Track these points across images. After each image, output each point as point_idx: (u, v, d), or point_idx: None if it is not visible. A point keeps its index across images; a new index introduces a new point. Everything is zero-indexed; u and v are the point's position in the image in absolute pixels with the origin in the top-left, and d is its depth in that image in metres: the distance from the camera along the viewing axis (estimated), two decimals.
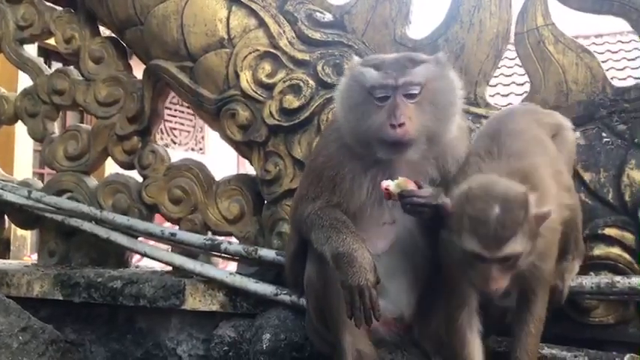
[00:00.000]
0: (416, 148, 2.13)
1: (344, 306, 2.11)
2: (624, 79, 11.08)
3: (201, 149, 12.71)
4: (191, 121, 12.63)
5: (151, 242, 3.58)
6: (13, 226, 4.84)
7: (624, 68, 11.82)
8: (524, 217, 1.86)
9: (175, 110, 12.17)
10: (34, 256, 5.65)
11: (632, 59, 12.10)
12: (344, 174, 2.21)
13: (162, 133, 11.83)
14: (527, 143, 2.18)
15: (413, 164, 2.20)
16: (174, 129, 12.33)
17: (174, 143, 12.16)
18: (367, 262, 2.02)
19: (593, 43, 12.41)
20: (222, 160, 10.52)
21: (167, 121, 12.01)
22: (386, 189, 2.07)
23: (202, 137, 12.92)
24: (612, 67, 11.68)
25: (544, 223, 1.91)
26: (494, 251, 1.85)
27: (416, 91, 2.09)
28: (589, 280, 2.44)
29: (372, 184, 2.21)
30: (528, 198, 1.89)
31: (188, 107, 11.92)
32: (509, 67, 12.49)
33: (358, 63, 2.25)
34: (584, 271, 2.50)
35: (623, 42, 12.72)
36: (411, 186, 2.08)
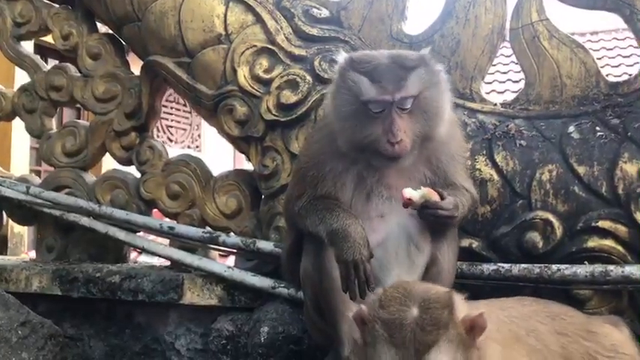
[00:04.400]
0: (409, 156, 2.17)
1: (340, 296, 2.16)
2: (619, 76, 11.12)
3: (197, 147, 12.70)
4: (187, 118, 12.64)
5: (151, 237, 3.60)
6: (10, 223, 4.86)
7: (619, 65, 11.87)
8: (448, 318, 1.55)
9: (172, 108, 12.17)
10: (32, 254, 5.66)
11: (627, 56, 12.18)
12: (325, 173, 2.25)
13: (158, 130, 11.82)
14: None
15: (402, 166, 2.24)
16: (171, 127, 12.33)
17: (171, 141, 12.16)
18: (361, 236, 2.07)
19: (589, 40, 12.46)
20: (218, 157, 10.53)
21: (163, 118, 12.00)
22: (408, 199, 2.08)
23: (199, 135, 12.92)
24: (607, 64, 11.73)
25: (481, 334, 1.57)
26: None
27: (409, 104, 2.11)
28: (583, 269, 2.47)
29: (357, 180, 2.26)
30: (453, 297, 1.61)
31: (185, 105, 12.06)
32: (505, 65, 12.54)
33: (348, 66, 2.20)
34: (578, 262, 2.54)
35: (618, 39, 12.77)
36: (435, 197, 2.12)
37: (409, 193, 2.09)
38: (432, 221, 2.15)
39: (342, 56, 2.28)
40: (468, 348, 1.57)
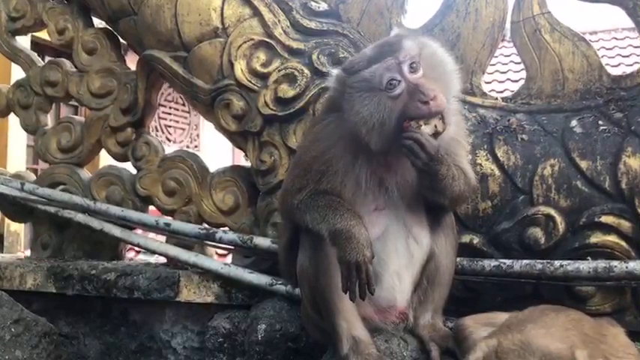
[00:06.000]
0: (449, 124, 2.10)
1: (337, 293, 2.12)
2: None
3: (196, 146, 12.69)
4: (186, 118, 12.63)
5: (150, 235, 3.56)
6: (6, 221, 4.82)
7: (619, 65, 11.83)
8: None
9: (170, 107, 12.15)
10: (28, 252, 5.63)
11: (627, 56, 12.16)
12: (337, 169, 2.20)
13: (157, 130, 11.81)
14: None
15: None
16: (169, 126, 12.32)
17: (169, 140, 12.14)
18: (364, 238, 2.03)
19: (588, 40, 12.41)
20: (217, 157, 10.49)
21: (162, 118, 11.99)
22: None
23: (197, 135, 12.90)
24: (607, 64, 11.65)
25: None
26: None
27: (417, 62, 2.07)
28: (586, 265, 2.43)
29: (368, 176, 2.21)
30: (576, 353, 1.59)
31: (183, 104, 12.03)
32: (504, 64, 12.51)
33: (347, 73, 2.16)
34: (580, 258, 2.49)
35: (617, 39, 12.77)
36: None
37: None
38: (405, 145, 2.05)
39: (333, 73, 2.25)
40: None
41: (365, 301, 2.09)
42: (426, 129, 2.05)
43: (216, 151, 11.37)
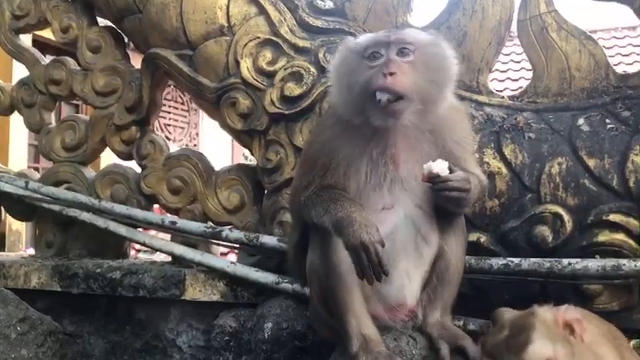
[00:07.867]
0: (410, 113, 2.12)
1: (347, 291, 2.12)
2: None
3: (195, 145, 12.67)
4: (185, 117, 12.61)
5: (152, 232, 3.55)
6: (8, 220, 4.81)
7: (619, 64, 11.85)
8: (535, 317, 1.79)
9: (170, 106, 12.14)
10: (30, 251, 5.62)
11: (626, 55, 12.17)
12: (338, 160, 2.21)
13: (156, 129, 11.79)
14: None
15: (409, 141, 2.21)
16: (169, 125, 12.30)
17: (169, 139, 12.09)
18: (366, 219, 2.03)
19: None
20: (216, 156, 10.46)
21: (161, 117, 11.97)
22: (423, 173, 2.10)
23: (197, 134, 12.88)
24: None
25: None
26: None
27: (409, 49, 2.10)
28: (594, 264, 2.43)
29: (370, 168, 2.21)
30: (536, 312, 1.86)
31: (183, 103, 12.01)
32: (504, 63, 12.52)
33: (347, 42, 2.30)
34: (588, 256, 2.49)
35: (617, 38, 12.79)
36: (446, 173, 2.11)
37: (428, 165, 2.09)
38: (443, 198, 2.11)
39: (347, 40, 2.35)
40: (571, 344, 1.74)
41: (375, 299, 2.09)
42: (437, 166, 2.09)
43: (215, 150, 11.36)
